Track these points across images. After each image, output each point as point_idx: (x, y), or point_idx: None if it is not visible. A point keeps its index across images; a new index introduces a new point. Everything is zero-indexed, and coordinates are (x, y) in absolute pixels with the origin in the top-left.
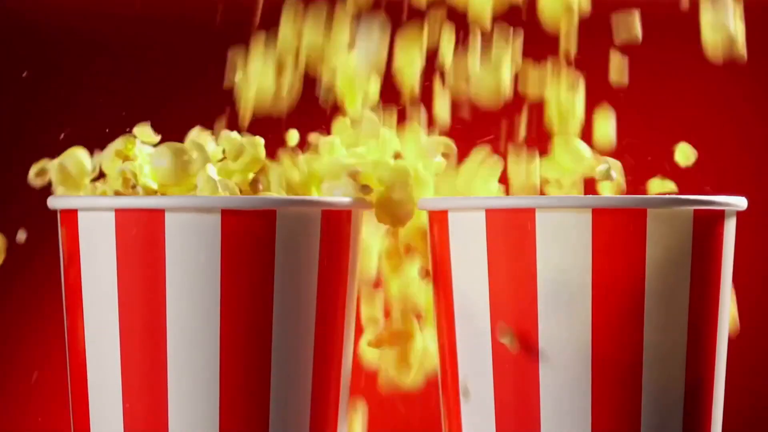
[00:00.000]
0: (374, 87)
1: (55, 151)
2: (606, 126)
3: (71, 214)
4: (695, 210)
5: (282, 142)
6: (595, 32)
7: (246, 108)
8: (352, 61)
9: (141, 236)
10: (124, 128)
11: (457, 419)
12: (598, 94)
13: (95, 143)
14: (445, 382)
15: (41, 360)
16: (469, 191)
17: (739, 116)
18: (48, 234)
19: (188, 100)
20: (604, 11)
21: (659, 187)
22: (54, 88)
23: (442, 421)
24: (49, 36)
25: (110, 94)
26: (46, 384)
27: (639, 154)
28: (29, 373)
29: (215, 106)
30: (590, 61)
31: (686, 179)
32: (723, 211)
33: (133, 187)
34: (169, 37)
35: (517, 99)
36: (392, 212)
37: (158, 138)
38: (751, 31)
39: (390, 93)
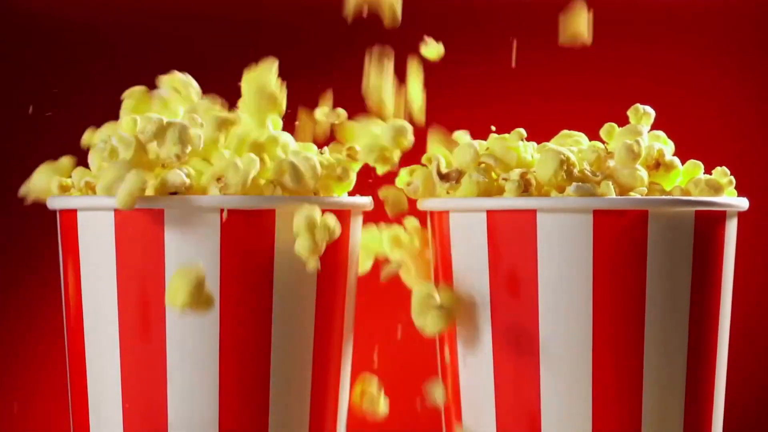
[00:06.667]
0: None
1: (55, 151)
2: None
3: (70, 214)
4: (696, 211)
5: None
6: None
7: None
8: None
9: (140, 236)
10: None
11: (458, 419)
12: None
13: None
14: (446, 381)
15: (41, 360)
16: None
17: (739, 117)
18: (48, 234)
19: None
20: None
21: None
22: (57, 86)
23: (443, 422)
24: (53, 32)
25: (114, 92)
26: (46, 384)
27: None
28: (29, 373)
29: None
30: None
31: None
32: (724, 212)
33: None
34: (175, 30)
35: None
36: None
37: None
38: (751, 30)
39: None
